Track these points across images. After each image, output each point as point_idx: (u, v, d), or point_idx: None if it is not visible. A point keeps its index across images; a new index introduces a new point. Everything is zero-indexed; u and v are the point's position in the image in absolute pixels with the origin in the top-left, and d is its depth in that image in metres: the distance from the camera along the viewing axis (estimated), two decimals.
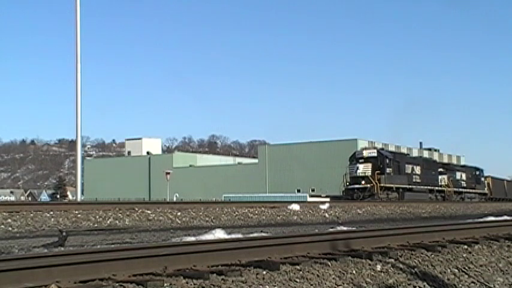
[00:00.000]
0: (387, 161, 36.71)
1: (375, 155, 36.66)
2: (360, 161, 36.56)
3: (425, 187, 40.88)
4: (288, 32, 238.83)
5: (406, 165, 39.46)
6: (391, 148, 68.60)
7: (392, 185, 36.51)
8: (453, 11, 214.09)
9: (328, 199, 37.88)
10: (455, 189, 45.49)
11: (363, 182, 35.43)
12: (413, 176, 39.80)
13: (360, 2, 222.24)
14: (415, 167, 40.42)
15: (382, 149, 43.37)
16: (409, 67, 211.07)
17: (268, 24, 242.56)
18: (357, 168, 36.34)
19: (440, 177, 43.95)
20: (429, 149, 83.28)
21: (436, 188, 42.62)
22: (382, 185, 35.28)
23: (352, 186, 36.09)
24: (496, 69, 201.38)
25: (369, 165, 35.87)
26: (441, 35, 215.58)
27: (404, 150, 70.46)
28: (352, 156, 37.67)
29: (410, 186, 38.78)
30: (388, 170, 36.46)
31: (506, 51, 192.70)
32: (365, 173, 35.76)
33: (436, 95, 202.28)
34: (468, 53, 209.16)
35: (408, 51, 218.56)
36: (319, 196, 51.73)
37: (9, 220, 11.83)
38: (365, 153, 36.91)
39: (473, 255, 7.26)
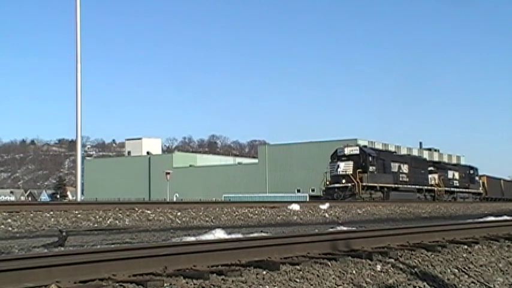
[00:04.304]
0: (370, 158, 34.92)
1: (357, 152, 34.85)
2: (342, 158, 34.77)
3: (413, 186, 39.28)
4: (288, 32, 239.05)
5: (392, 164, 37.67)
6: (391, 148, 68.58)
7: (375, 184, 34.73)
8: (453, 10, 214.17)
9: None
10: (446, 188, 44.13)
11: (344, 181, 33.64)
12: (400, 175, 38.11)
13: (359, 2, 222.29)
14: (402, 165, 38.73)
15: (365, 146, 41.80)
16: (409, 67, 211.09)
17: (268, 24, 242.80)
18: (338, 166, 34.50)
19: (430, 176, 42.54)
20: (429, 149, 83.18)
21: (426, 187, 41.15)
22: (364, 184, 33.55)
23: (332, 185, 34.29)
24: (496, 69, 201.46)
25: (351, 163, 34.14)
26: (440, 34, 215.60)
27: (404, 150, 70.51)
28: (334, 154, 35.88)
29: (396, 186, 36.94)
30: (371, 168, 34.67)
31: (507, 50, 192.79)
32: (346, 171, 33.94)
33: (436, 95, 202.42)
34: (468, 52, 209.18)
35: (408, 51, 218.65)
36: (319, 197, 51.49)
37: (9, 220, 11.83)
38: (347, 151, 35.07)
39: (473, 255, 7.25)
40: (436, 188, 42.59)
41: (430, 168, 43.35)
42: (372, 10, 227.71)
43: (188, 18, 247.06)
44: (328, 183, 35.10)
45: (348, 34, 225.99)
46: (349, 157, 34.67)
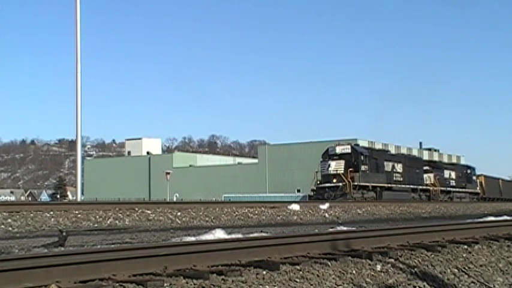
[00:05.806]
0: (362, 157, 34.15)
1: (349, 151, 34.07)
2: (333, 157, 34.02)
3: (408, 186, 38.48)
4: (288, 32, 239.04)
5: (386, 163, 36.79)
6: (391, 148, 68.53)
7: (368, 184, 33.90)
8: (453, 10, 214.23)
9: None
10: (442, 188, 43.38)
11: (335, 180, 32.77)
12: (394, 174, 37.22)
13: (358, 2, 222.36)
14: (396, 164, 37.85)
15: (357, 145, 41.08)
16: (410, 67, 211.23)
17: (268, 23, 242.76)
18: (329, 165, 33.71)
19: (425, 175, 41.82)
20: (429, 149, 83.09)
21: (420, 187, 40.41)
22: (355, 183, 32.76)
23: (323, 184, 33.43)
24: (496, 69, 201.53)
25: (342, 162, 33.31)
26: (441, 34, 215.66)
27: (404, 150, 70.34)
28: (325, 153, 35.08)
29: (389, 185, 36.05)
30: (363, 167, 33.88)
31: (507, 50, 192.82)
32: (337, 170, 33.10)
33: (436, 95, 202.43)
34: (468, 52, 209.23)
35: (408, 51, 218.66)
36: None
37: (9, 220, 11.84)
38: (338, 149, 34.24)
39: (473, 255, 7.25)
40: (431, 188, 41.88)
41: (425, 168, 42.60)
42: (372, 9, 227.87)
43: (188, 18, 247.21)
44: (318, 182, 34.35)
45: (348, 34, 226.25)
46: (340, 156, 33.93)
